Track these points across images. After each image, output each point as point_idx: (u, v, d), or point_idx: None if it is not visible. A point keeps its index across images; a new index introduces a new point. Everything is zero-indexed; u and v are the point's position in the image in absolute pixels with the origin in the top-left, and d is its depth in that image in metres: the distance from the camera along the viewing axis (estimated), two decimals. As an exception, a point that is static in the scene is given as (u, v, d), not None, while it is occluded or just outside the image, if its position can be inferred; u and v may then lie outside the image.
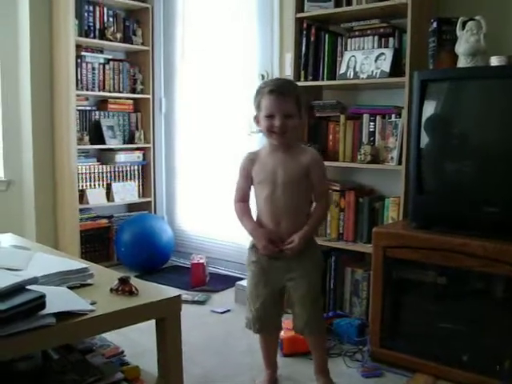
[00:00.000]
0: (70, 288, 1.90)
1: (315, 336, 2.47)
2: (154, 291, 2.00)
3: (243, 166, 2.41)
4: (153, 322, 1.90)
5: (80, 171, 4.43)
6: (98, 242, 4.61)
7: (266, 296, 2.39)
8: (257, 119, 2.36)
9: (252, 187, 2.42)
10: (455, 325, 2.56)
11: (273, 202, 2.31)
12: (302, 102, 2.31)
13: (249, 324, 2.46)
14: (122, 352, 2.20)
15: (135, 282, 1.97)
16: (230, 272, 4.34)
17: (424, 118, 2.63)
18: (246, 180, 2.40)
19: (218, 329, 3.26)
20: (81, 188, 4.45)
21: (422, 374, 2.57)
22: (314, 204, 2.41)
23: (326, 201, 2.49)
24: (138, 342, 2.80)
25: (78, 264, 2.09)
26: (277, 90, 2.24)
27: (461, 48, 2.65)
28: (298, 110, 2.28)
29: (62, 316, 1.61)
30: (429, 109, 2.62)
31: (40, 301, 1.56)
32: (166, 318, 1.88)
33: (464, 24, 2.65)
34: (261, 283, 2.39)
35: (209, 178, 4.57)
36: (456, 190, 2.61)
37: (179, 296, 1.94)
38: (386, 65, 3.07)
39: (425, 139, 2.65)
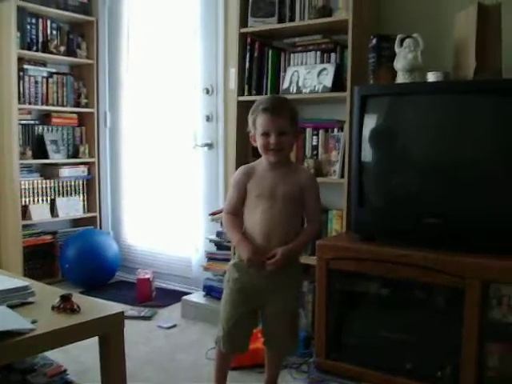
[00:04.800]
0: (11, 307, 1.87)
1: (282, 355, 2.50)
2: (96, 308, 1.98)
3: (237, 179, 2.37)
4: (97, 338, 1.89)
5: (23, 186, 4.35)
6: (41, 259, 4.51)
7: (241, 315, 2.34)
8: (252, 137, 2.35)
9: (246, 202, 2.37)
10: (399, 334, 2.61)
11: (270, 216, 2.28)
12: (296, 120, 2.33)
13: (219, 342, 2.39)
14: (65, 371, 2.17)
15: (78, 298, 1.95)
16: (176, 287, 4.31)
17: (364, 132, 2.69)
18: (239, 193, 2.36)
19: (164, 344, 3.24)
20: (24, 204, 4.36)
21: (367, 383, 2.60)
22: (306, 225, 2.41)
23: (319, 223, 2.50)
24: (81, 360, 2.76)
25: (19, 282, 2.05)
26: (271, 108, 2.24)
27: (399, 64, 2.72)
28: (292, 128, 2.28)
29: (0, 336, 1.58)
30: (369, 123, 2.68)
31: (-23, 321, 1.53)
32: (109, 335, 1.87)
33: (402, 41, 2.73)
34: (237, 302, 2.34)
35: (154, 192, 4.55)
36: (397, 203, 2.68)
37: (122, 312, 1.93)
38: (328, 80, 3.12)
39: (366, 153, 2.71)
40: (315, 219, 2.41)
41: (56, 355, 2.28)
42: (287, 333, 2.37)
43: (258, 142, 2.30)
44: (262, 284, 2.30)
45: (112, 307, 2.04)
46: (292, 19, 3.27)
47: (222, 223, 3.55)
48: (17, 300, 1.94)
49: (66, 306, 1.87)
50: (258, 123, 2.28)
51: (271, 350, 2.47)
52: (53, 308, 1.88)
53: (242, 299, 2.33)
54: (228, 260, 3.51)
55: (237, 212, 2.37)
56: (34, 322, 1.74)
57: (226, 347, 2.37)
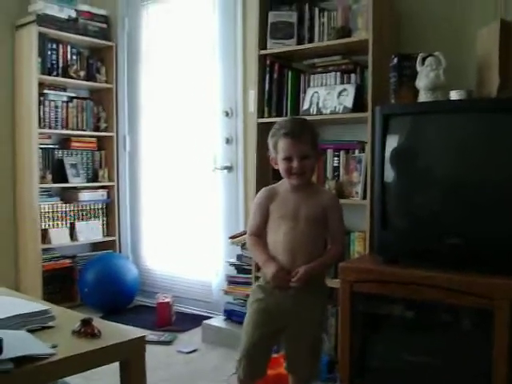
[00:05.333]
0: (31, 331, 1.84)
1: (304, 380, 2.40)
2: (117, 332, 1.95)
3: (260, 201, 2.36)
4: (117, 363, 1.85)
5: (42, 210, 4.36)
6: (60, 283, 4.50)
7: (262, 336, 2.28)
8: (273, 161, 2.34)
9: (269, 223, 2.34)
10: (425, 358, 2.54)
11: (292, 236, 2.26)
12: (317, 142, 2.32)
13: (238, 368, 2.31)
14: (85, 397, 2.13)
15: (98, 323, 1.92)
16: (196, 311, 4.27)
17: (387, 153, 2.65)
18: (262, 214, 2.34)
19: (184, 369, 3.19)
20: (43, 227, 4.36)
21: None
22: (329, 246, 2.38)
23: (342, 244, 2.49)
24: (101, 385, 2.72)
25: (39, 306, 2.02)
26: (291, 133, 2.23)
27: (421, 83, 2.69)
28: (313, 151, 2.27)
29: (20, 361, 1.55)
30: (392, 143, 2.64)
31: (-3, 345, 1.50)
32: (130, 360, 1.83)
33: (424, 60, 2.70)
34: (260, 322, 2.29)
35: (174, 216, 4.53)
36: (420, 224, 2.63)
37: (143, 337, 1.90)
38: (348, 100, 3.10)
39: (388, 173, 2.66)
40: (339, 240, 2.38)
41: (76, 381, 2.24)
42: (309, 357, 2.31)
43: (280, 166, 2.29)
44: (287, 304, 2.26)
45: (133, 332, 2.01)
46: (311, 40, 3.27)
47: (243, 245, 3.54)
48: (37, 324, 1.91)
49: (86, 330, 1.84)
50: (279, 147, 2.27)
51: (293, 375, 2.40)
52: (73, 332, 1.85)
53: (265, 320, 2.28)
54: (249, 284, 3.49)
55: (260, 233, 2.35)
56: (54, 346, 1.71)
57: (245, 372, 2.30)
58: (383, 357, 2.69)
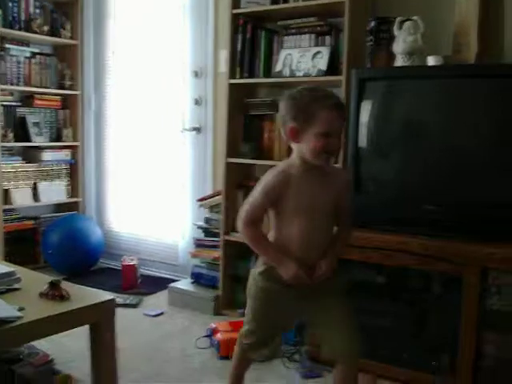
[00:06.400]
0: (-4, 293, 1.78)
1: (356, 366, 2.13)
2: (86, 295, 1.91)
3: (274, 187, 1.99)
4: (87, 327, 1.81)
5: (4, 170, 4.22)
6: (23, 244, 4.40)
7: (278, 328, 2.17)
8: (295, 134, 1.95)
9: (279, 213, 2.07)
10: (395, 323, 2.57)
11: (309, 232, 2.02)
12: None
13: (247, 350, 2.17)
14: (52, 360, 2.08)
15: (66, 285, 1.87)
16: (162, 274, 4.24)
17: (362, 117, 2.62)
18: (269, 203, 2.02)
19: (151, 332, 3.16)
20: (5, 188, 4.24)
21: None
22: (340, 228, 2.17)
23: (352, 222, 2.25)
24: (66, 348, 2.67)
25: (4, 268, 1.96)
26: (340, 107, 1.94)
27: (398, 47, 2.65)
28: None
29: (-14, 324, 1.50)
30: (367, 107, 2.62)
31: (-38, 308, 1.44)
32: (100, 323, 1.80)
33: (401, 24, 2.66)
34: (272, 314, 2.11)
35: (141, 177, 4.46)
36: (395, 189, 2.62)
37: (113, 300, 1.86)
38: (322, 63, 3.05)
39: (363, 138, 2.64)
40: (349, 223, 2.18)
41: (40, 343, 2.19)
42: (354, 339, 2.05)
43: (312, 142, 1.92)
44: (296, 295, 2.06)
45: (102, 295, 1.97)
46: (286, 0, 3.18)
47: (211, 208, 3.51)
48: (2, 287, 1.85)
49: (54, 293, 1.79)
50: (318, 119, 1.89)
51: (344, 365, 2.09)
52: (41, 295, 1.80)
53: (277, 311, 2.11)
54: (216, 247, 3.46)
55: (258, 223, 2.08)
56: (21, 309, 1.66)
57: (258, 355, 2.20)
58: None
